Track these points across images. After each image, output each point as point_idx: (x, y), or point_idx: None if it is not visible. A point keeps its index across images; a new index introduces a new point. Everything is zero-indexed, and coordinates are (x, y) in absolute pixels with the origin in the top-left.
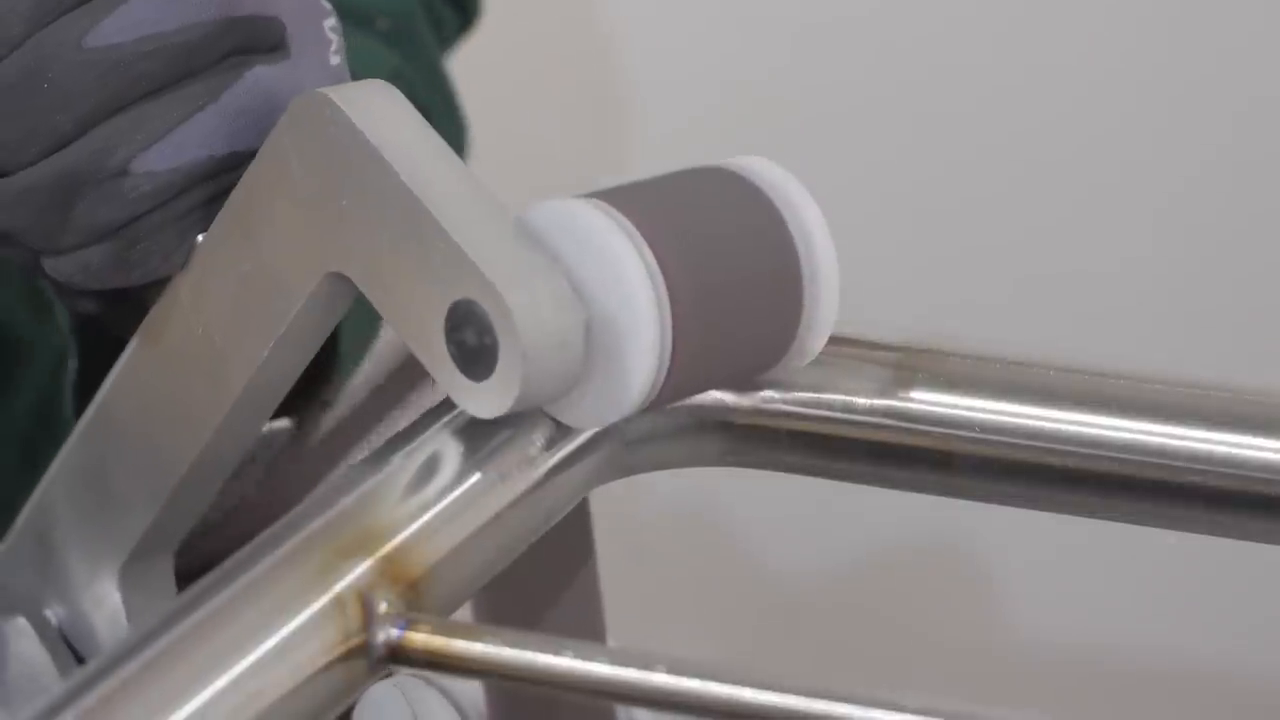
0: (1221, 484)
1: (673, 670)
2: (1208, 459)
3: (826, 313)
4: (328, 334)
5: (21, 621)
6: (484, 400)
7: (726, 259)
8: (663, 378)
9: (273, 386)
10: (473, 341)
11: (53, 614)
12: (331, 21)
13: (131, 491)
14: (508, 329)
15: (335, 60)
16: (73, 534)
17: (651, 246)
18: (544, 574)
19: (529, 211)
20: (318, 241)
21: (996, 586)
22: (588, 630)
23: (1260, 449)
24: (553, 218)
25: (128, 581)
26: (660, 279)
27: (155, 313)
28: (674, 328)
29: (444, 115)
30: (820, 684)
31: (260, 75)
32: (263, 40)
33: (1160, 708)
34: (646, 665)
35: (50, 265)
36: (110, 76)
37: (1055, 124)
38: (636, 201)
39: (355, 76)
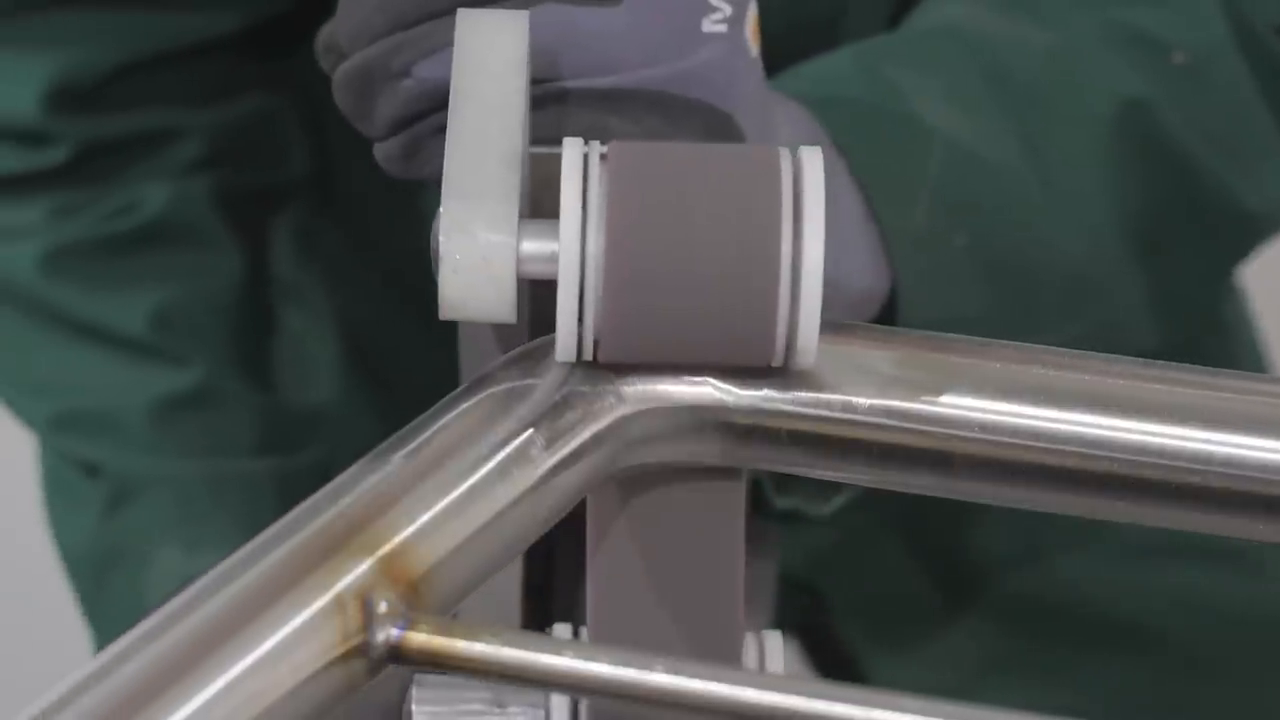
0: (1221, 484)
1: (672, 670)
2: (1208, 459)
3: (810, 303)
4: None
5: None
6: (441, 302)
7: (701, 226)
8: (592, 317)
9: None
10: (433, 245)
11: None
12: None
13: None
14: (438, 234)
15: (713, 28)
16: None
17: (612, 188)
18: (689, 561)
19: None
20: None
21: None
22: (724, 619)
23: (1260, 449)
24: (565, 149)
25: None
26: (602, 221)
27: None
28: (609, 269)
29: (1229, 170)
30: (820, 684)
31: (554, 12)
32: None
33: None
34: (646, 665)
35: (374, 151)
36: None
37: None
38: (637, 151)
39: (1078, 84)
